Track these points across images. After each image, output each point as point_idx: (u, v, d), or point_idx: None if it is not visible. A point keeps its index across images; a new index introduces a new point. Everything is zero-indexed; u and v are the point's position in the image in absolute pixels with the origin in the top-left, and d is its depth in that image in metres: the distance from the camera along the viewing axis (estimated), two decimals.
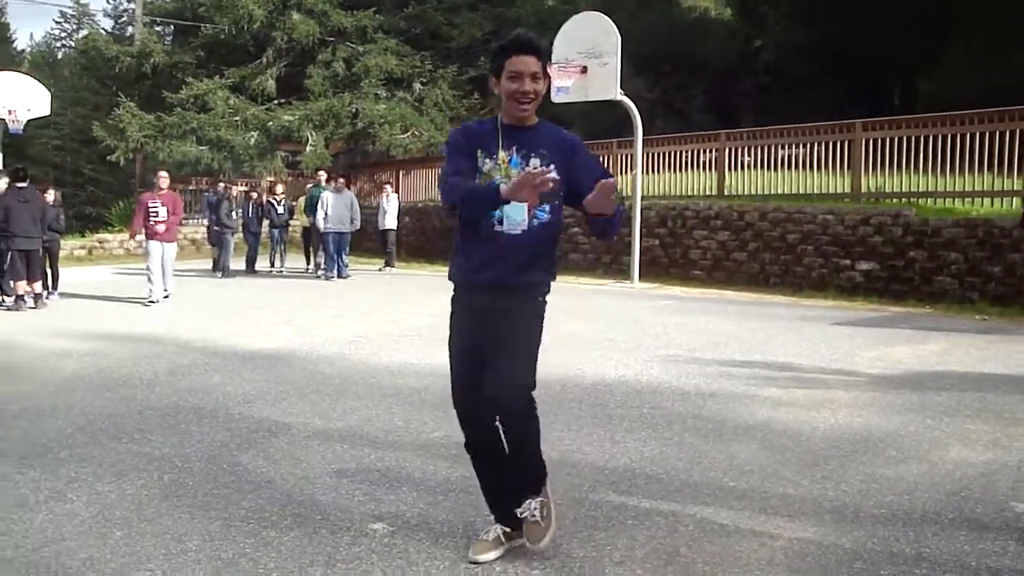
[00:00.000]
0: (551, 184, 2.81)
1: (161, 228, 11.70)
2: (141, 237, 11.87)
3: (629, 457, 4.51)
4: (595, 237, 3.20)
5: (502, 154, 3.06)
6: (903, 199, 12.69)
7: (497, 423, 3.12)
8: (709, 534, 3.46)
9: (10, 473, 4.24)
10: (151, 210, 11.70)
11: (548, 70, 3.09)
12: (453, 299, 3.25)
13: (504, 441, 3.15)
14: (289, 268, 16.77)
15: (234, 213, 16.08)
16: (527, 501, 3.14)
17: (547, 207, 3.08)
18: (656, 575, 3.09)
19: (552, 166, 3.01)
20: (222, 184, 18.09)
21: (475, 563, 3.16)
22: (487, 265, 3.08)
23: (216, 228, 16.02)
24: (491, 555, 3.21)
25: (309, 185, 16.97)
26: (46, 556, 3.25)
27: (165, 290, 11.75)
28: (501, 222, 3.06)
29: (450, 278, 3.25)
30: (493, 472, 3.27)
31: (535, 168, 2.97)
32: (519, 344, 3.10)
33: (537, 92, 3.03)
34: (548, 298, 3.22)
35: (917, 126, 12.67)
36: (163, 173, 12.43)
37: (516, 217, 3.05)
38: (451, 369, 3.25)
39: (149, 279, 11.60)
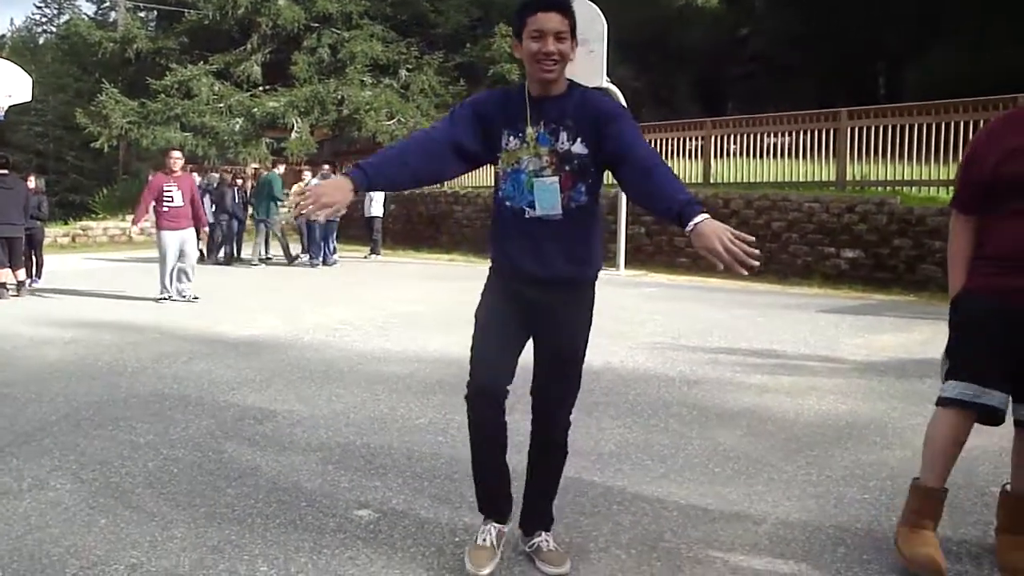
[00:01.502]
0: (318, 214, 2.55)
1: (176, 215, 10.37)
2: (145, 224, 10.60)
3: (614, 443, 4.52)
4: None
5: (530, 130, 2.78)
6: (888, 187, 12.75)
7: (505, 418, 2.94)
8: (694, 519, 3.47)
9: None
10: (165, 194, 10.30)
11: (571, 27, 2.77)
12: (491, 278, 2.98)
13: (532, 456, 3.08)
14: (273, 256, 16.72)
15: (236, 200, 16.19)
16: (539, 533, 3.07)
17: (583, 187, 2.79)
18: (641, 560, 3.10)
19: (579, 139, 2.76)
20: (216, 173, 18.07)
21: None
22: (532, 255, 2.83)
23: (223, 218, 16.09)
24: (491, 566, 2.96)
25: (264, 173, 17.13)
26: (29, 544, 3.23)
27: (194, 296, 10.47)
28: (532, 206, 2.81)
29: (492, 259, 2.99)
30: (495, 462, 3.01)
31: (563, 144, 2.76)
32: (576, 364, 2.95)
33: (562, 53, 2.74)
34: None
35: (902, 115, 12.73)
36: (176, 153, 10.94)
37: (547, 202, 2.79)
38: (473, 343, 2.92)
39: (162, 274, 10.38)
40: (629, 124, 2.77)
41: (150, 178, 11.12)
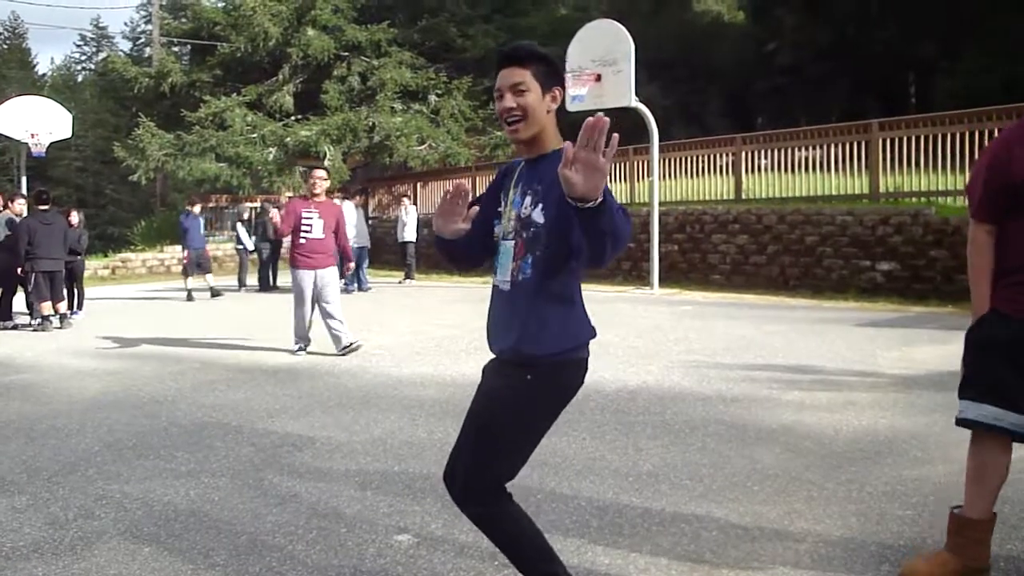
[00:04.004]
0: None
1: (314, 249, 8.35)
2: (275, 215, 8.68)
3: (652, 463, 4.51)
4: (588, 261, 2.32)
5: (512, 194, 2.56)
6: (922, 198, 12.63)
7: (499, 508, 2.63)
8: (733, 539, 3.45)
9: (40, 491, 4.29)
10: (303, 223, 8.32)
11: (538, 76, 2.44)
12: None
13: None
14: None
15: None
16: None
17: (530, 259, 2.45)
18: None
19: (540, 206, 2.43)
20: (248, 203, 18.39)
21: None
22: (490, 323, 2.62)
23: (264, 246, 16.68)
24: None
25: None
26: (76, 573, 3.28)
27: (349, 343, 8.37)
28: (497, 272, 2.57)
29: None
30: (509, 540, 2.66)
31: (526, 210, 2.49)
32: (485, 433, 2.53)
33: (525, 107, 2.42)
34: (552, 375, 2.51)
35: (934, 124, 12.63)
36: (320, 172, 8.68)
37: (501, 267, 2.53)
38: None
39: (297, 321, 8.49)
40: None
41: (289, 204, 8.84)
